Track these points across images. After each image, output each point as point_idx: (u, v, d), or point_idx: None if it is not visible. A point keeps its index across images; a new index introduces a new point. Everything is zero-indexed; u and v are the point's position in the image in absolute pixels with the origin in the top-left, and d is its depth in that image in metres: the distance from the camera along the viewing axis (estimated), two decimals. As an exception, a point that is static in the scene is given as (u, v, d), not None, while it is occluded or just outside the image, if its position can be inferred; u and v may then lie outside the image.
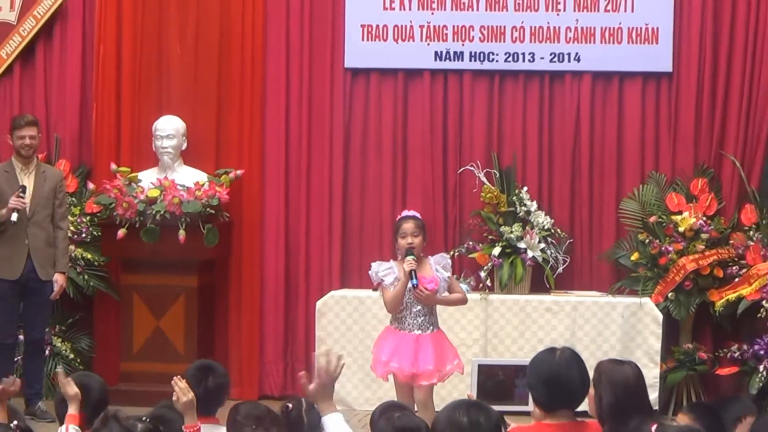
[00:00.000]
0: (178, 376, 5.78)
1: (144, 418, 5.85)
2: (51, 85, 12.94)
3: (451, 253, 11.93)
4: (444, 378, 9.44)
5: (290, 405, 6.46)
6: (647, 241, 11.97)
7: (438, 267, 9.56)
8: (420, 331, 9.37)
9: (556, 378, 5.82)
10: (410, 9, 12.45)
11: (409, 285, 9.21)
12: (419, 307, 9.39)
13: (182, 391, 5.81)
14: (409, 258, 9.21)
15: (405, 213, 10.03)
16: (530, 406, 6.03)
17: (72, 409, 5.91)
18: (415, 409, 8.87)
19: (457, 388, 9.64)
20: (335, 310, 11.82)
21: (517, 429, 5.95)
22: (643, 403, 6.49)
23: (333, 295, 12.01)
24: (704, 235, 11.76)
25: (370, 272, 9.70)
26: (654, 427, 6.06)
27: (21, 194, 10.97)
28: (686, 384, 11.70)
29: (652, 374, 11.03)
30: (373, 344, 9.80)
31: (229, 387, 7.40)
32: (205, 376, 6.94)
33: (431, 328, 9.45)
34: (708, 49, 12.21)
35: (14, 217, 10.84)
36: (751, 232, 11.85)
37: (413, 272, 9.12)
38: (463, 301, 9.88)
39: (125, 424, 5.63)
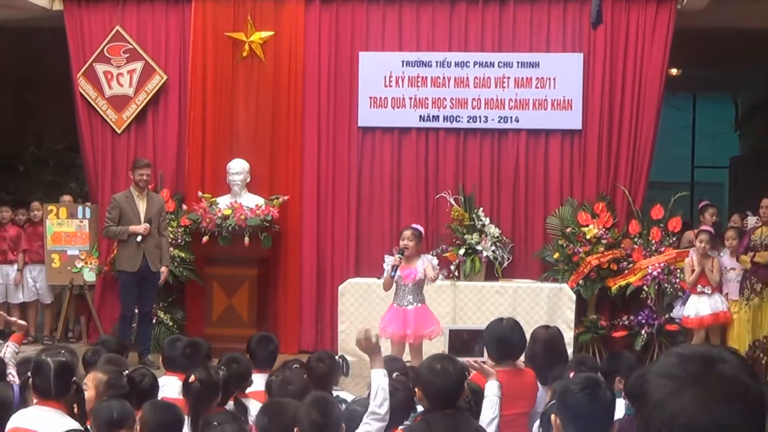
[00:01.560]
0: (368, 328, 5.45)
1: (221, 367, 6.17)
2: (157, 138, 13.09)
3: (432, 253, 11.76)
4: (429, 337, 9.45)
5: (323, 358, 6.66)
6: (565, 245, 12.16)
7: (422, 265, 9.53)
8: (409, 306, 9.50)
9: (503, 338, 6.33)
10: (402, 86, 12.65)
11: (393, 273, 9.36)
12: (407, 290, 9.55)
13: (366, 338, 5.32)
14: (397, 256, 9.39)
15: (410, 225, 10.09)
16: (485, 358, 6.44)
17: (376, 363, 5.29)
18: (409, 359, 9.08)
19: (435, 346, 9.12)
20: (351, 292, 11.96)
21: (478, 375, 5.91)
22: (562, 354, 7.02)
23: (350, 281, 12.16)
24: (604, 241, 12.06)
25: (384, 264, 9.81)
26: (572, 374, 6.82)
27: (148, 226, 11.32)
28: (592, 343, 11.91)
29: (568, 336, 10.92)
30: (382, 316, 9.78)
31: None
32: (268, 342, 7.24)
33: (417, 303, 9.53)
34: (605, 114, 12.42)
35: (139, 238, 11.25)
36: (636, 239, 12.13)
37: (395, 267, 9.36)
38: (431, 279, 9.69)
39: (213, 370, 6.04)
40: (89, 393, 5.62)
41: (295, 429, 4.98)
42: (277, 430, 4.87)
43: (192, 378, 5.73)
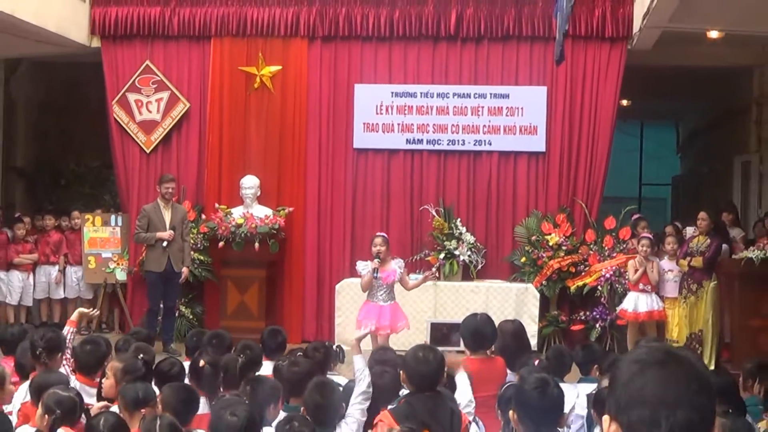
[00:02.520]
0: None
1: (240, 355, 6.33)
2: (180, 157, 13.05)
3: (416, 257, 12.28)
4: (397, 330, 9.53)
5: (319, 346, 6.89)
6: (530, 250, 12.14)
7: (397, 266, 9.71)
8: (383, 303, 9.55)
9: (477, 331, 6.30)
10: (391, 113, 12.62)
11: (375, 275, 9.47)
12: (382, 289, 9.58)
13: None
14: (376, 260, 9.50)
15: (378, 233, 10.17)
16: (462, 347, 6.56)
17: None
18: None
19: (419, 338, 8.93)
20: (346, 290, 11.83)
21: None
22: (526, 345, 7.10)
23: (345, 281, 12.05)
24: (564, 247, 12.06)
25: (357, 267, 9.89)
26: (537, 361, 6.56)
27: (173, 232, 11.38)
28: (553, 335, 11.87)
29: (533, 329, 11.18)
30: (358, 310, 9.90)
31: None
32: (277, 334, 7.34)
33: (389, 301, 9.60)
34: (566, 138, 12.44)
35: (165, 243, 11.27)
36: (591, 246, 12.10)
37: (375, 270, 9.44)
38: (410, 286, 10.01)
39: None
40: (109, 381, 5.67)
41: (302, 409, 5.04)
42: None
43: (202, 362, 5.79)
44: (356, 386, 5.26)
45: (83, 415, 4.93)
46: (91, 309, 8.24)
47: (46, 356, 5.95)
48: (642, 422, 2.00)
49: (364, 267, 9.75)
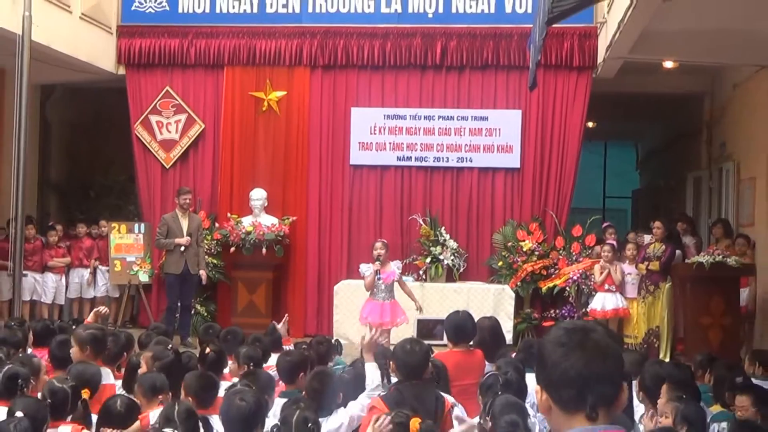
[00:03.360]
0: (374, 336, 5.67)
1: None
2: (196, 172, 13.07)
3: (406, 261, 12.06)
4: (397, 325, 9.56)
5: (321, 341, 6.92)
6: (507, 255, 12.17)
7: (395, 267, 9.73)
8: (384, 300, 9.56)
9: (459, 326, 6.26)
10: (384, 134, 12.63)
11: (377, 276, 9.45)
12: (384, 288, 9.60)
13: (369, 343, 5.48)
14: (377, 263, 9.49)
15: (379, 239, 10.25)
16: (445, 341, 6.50)
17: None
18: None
19: (407, 332, 9.39)
20: (344, 290, 11.81)
21: (439, 354, 6.04)
22: (501, 338, 7.13)
23: (343, 282, 12.04)
24: (536, 253, 12.08)
25: (360, 269, 9.86)
26: (514, 354, 6.66)
27: (189, 239, 11.39)
28: (527, 331, 11.81)
29: (508, 326, 11.23)
30: (361, 308, 9.87)
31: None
32: (275, 331, 7.37)
33: (390, 299, 9.60)
34: (538, 156, 12.43)
35: (182, 248, 11.30)
36: (561, 251, 12.13)
37: (378, 271, 9.44)
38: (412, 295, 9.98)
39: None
40: (142, 369, 5.65)
41: (303, 393, 5.02)
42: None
43: (208, 350, 5.83)
44: (368, 388, 5.12)
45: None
46: (105, 309, 8.28)
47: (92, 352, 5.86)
48: (570, 399, 2.14)
49: (366, 269, 9.73)
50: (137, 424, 4.64)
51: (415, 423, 4.14)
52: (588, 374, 2.13)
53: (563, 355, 2.15)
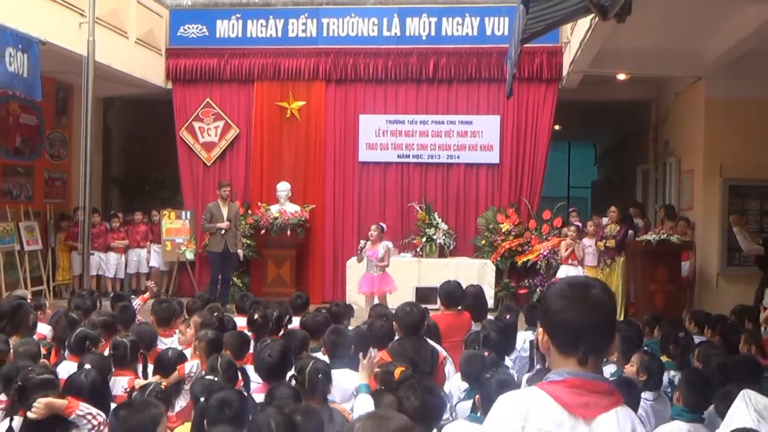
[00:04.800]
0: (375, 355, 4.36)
1: (276, 310, 6.35)
2: (232, 169, 13.02)
3: (405, 240, 12.26)
4: (386, 292, 9.58)
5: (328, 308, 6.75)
6: (489, 235, 12.15)
7: (382, 246, 9.79)
8: (375, 273, 9.68)
9: (449, 293, 6.32)
10: (386, 136, 12.61)
11: (360, 251, 9.84)
12: (373, 263, 9.70)
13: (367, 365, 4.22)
14: (365, 242, 9.89)
15: (375, 223, 10.27)
16: (438, 305, 6.59)
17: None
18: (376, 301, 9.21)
19: (407, 297, 9.30)
20: (355, 265, 11.17)
21: (433, 315, 6.02)
22: (484, 303, 7.17)
23: (353, 258, 11.29)
24: (513, 233, 12.06)
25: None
26: (509, 316, 6.60)
27: (229, 223, 11.32)
28: (506, 297, 11.72)
29: (490, 293, 11.21)
30: (359, 279, 10.03)
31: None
32: (299, 297, 7.28)
33: (380, 271, 9.68)
34: (514, 154, 12.40)
35: (222, 231, 11.23)
36: (533, 232, 12.11)
37: (362, 248, 9.76)
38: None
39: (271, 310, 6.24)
40: (191, 331, 5.69)
41: (322, 350, 5.03)
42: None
43: (256, 315, 5.84)
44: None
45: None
46: (153, 285, 8.45)
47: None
48: (566, 344, 2.12)
49: (362, 245, 9.94)
50: (176, 373, 4.67)
51: (398, 371, 4.15)
52: (584, 325, 2.09)
53: (565, 306, 2.12)
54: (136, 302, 7.19)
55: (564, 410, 2.03)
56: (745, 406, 3.59)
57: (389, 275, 9.83)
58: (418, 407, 3.39)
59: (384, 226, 10.30)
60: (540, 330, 2.19)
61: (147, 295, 7.80)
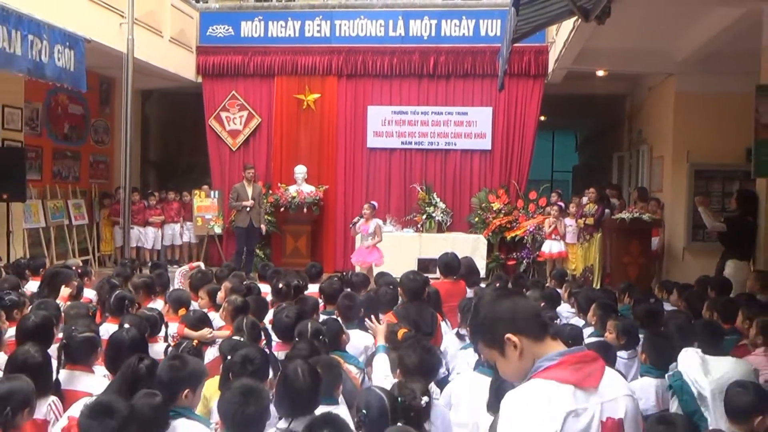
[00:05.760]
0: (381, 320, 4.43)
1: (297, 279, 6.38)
2: (255, 153, 12.94)
3: (407, 217, 12.27)
4: (370, 264, 9.56)
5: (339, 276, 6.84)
6: (481, 213, 12.13)
7: (374, 223, 9.81)
8: (366, 246, 9.77)
9: (447, 263, 6.25)
10: (392, 125, 12.54)
11: (351, 225, 9.95)
12: (365, 237, 9.79)
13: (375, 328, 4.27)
14: (357, 218, 9.94)
15: (368, 201, 10.43)
16: (437, 274, 6.46)
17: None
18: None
19: (410, 267, 9.10)
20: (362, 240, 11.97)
21: (434, 283, 5.89)
22: (476, 272, 7.18)
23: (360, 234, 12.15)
24: (502, 211, 12.04)
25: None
26: (497, 283, 6.63)
27: (253, 201, 11.27)
28: (496, 267, 11.70)
29: (482, 264, 11.19)
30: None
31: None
32: (314, 266, 7.23)
33: (370, 244, 9.72)
34: (504, 141, 12.34)
35: (248, 208, 11.18)
36: (521, 210, 12.06)
37: (354, 224, 9.86)
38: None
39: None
40: (221, 294, 5.70)
41: (336, 313, 5.04)
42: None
43: (281, 285, 5.82)
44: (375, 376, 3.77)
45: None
46: (200, 264, 8.44)
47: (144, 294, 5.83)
48: (534, 330, 2.03)
49: (355, 220, 10.06)
50: (205, 329, 4.71)
51: (401, 332, 4.14)
52: (536, 306, 2.07)
53: (519, 299, 2.06)
54: (184, 267, 7.14)
55: (576, 388, 1.91)
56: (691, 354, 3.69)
57: (378, 249, 9.82)
58: (417, 363, 3.42)
59: (375, 204, 10.29)
60: (513, 338, 2.00)
61: (195, 264, 7.80)
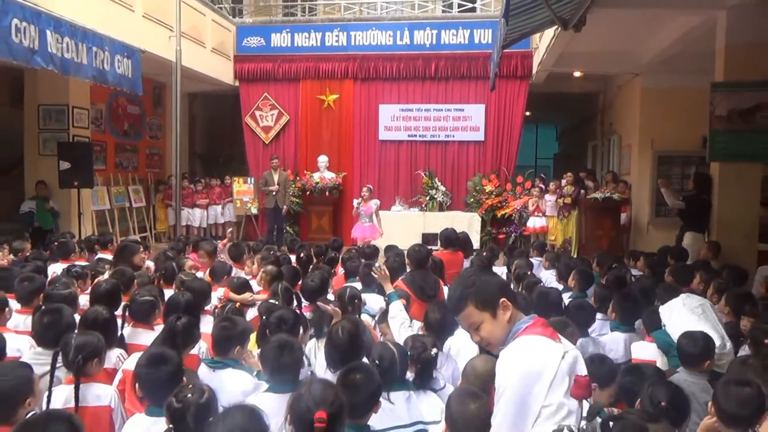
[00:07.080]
0: (380, 266, 4.14)
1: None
2: (285, 146, 12.87)
3: (413, 198, 12.18)
4: (372, 239, 9.25)
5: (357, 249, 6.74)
6: (476, 194, 12.08)
7: (373, 203, 9.79)
8: (365, 224, 9.74)
9: (447, 237, 6.23)
10: (400, 120, 12.45)
11: (357, 207, 9.77)
12: (365, 217, 9.71)
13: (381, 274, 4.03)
14: (356, 200, 9.82)
15: (366, 185, 10.39)
16: (438, 246, 6.46)
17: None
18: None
19: (415, 240, 8.93)
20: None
21: (436, 253, 5.78)
22: (471, 244, 7.12)
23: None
24: (494, 193, 11.96)
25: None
26: (484, 253, 6.66)
27: (278, 186, 11.20)
28: (488, 240, 11.63)
29: (476, 238, 11.17)
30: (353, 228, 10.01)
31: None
32: (336, 241, 7.37)
33: (369, 223, 9.74)
34: (495, 133, 12.24)
35: (273, 192, 11.13)
36: (510, 192, 11.99)
37: (358, 206, 9.75)
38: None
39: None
40: (255, 265, 5.71)
41: (357, 278, 5.04)
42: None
43: (302, 254, 5.81)
44: (394, 326, 3.74)
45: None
46: (231, 232, 8.37)
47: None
48: (505, 300, 2.03)
49: (356, 203, 9.95)
50: (246, 293, 4.72)
51: (402, 300, 4.07)
52: (501, 281, 2.10)
53: (496, 275, 2.12)
54: (218, 245, 7.15)
55: (553, 340, 1.96)
56: (681, 303, 3.63)
57: (376, 226, 9.78)
58: (439, 319, 3.45)
59: (371, 187, 10.29)
60: (481, 314, 2.01)
61: (226, 240, 7.80)
